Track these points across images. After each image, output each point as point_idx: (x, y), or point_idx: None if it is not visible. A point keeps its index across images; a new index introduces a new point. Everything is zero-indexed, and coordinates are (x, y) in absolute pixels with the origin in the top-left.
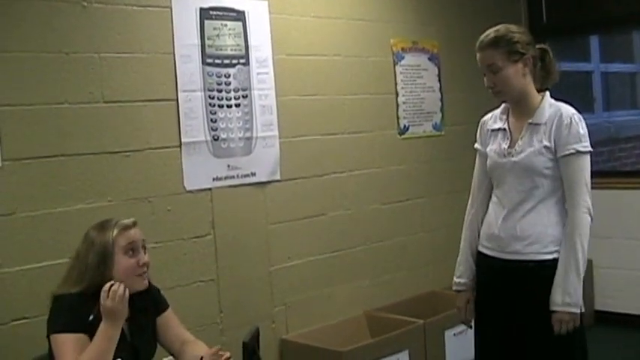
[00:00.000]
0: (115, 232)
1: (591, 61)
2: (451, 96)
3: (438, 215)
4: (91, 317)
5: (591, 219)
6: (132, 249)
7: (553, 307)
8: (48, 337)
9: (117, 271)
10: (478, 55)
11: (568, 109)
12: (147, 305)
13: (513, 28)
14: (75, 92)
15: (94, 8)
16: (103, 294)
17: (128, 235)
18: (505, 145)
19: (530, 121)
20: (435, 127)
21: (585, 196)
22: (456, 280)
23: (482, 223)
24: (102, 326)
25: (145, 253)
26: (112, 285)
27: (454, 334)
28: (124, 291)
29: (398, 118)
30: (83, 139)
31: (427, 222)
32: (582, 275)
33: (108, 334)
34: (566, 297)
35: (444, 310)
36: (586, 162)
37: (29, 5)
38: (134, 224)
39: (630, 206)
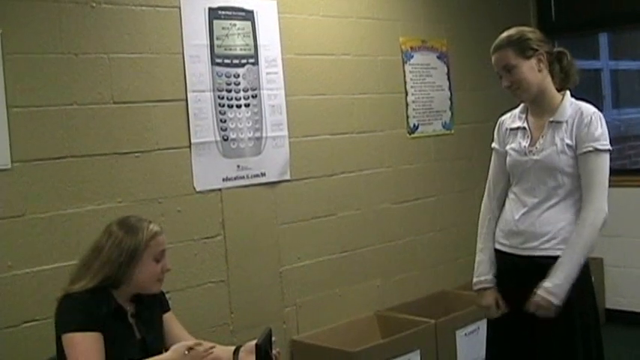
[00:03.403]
0: (148, 236)
1: (600, 58)
2: (460, 94)
3: (449, 214)
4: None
5: (604, 220)
6: (160, 255)
7: (538, 290)
8: (58, 336)
9: (140, 273)
10: (493, 58)
11: (589, 108)
12: (154, 302)
13: (525, 28)
14: (84, 93)
15: (103, 9)
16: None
17: (159, 242)
18: (525, 144)
19: (551, 119)
20: (444, 125)
21: (600, 196)
22: (480, 278)
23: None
24: None
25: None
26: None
27: (465, 334)
28: None
29: (407, 117)
30: (93, 140)
31: (437, 221)
32: (575, 272)
33: None
34: (551, 285)
35: (455, 309)
36: (604, 161)
37: (38, 6)
38: (161, 230)
39: None
